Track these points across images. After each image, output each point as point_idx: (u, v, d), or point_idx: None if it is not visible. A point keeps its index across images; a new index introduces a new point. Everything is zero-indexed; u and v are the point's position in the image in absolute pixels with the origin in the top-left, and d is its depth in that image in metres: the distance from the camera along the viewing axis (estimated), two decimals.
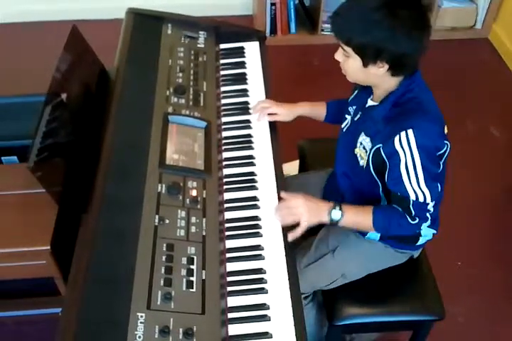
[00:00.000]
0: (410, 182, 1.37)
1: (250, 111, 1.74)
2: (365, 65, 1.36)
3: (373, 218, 1.44)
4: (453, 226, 2.28)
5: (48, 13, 3.40)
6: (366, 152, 1.46)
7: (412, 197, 1.39)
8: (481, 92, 3.12)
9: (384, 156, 1.40)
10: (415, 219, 1.42)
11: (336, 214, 1.44)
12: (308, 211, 1.43)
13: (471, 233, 2.45)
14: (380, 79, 1.40)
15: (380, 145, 1.40)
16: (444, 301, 1.66)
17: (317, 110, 1.77)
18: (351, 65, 1.39)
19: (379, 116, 1.43)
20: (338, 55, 1.42)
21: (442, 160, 1.45)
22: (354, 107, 1.57)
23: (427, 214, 1.43)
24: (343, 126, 1.61)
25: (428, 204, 1.41)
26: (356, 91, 1.59)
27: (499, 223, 2.50)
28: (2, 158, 1.62)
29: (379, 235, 1.58)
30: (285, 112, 1.72)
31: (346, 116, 1.60)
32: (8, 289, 1.38)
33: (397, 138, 1.35)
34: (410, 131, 1.34)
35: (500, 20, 3.40)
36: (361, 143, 1.48)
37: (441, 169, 1.50)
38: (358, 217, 1.46)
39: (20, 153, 1.59)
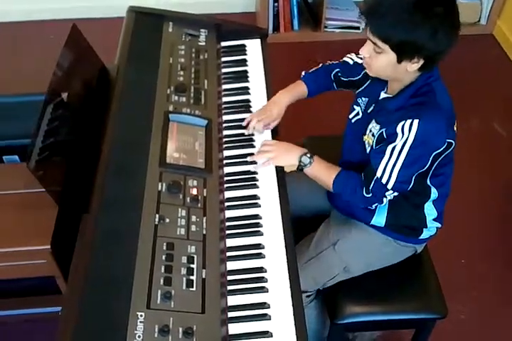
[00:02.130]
0: (387, 162, 1.42)
1: (252, 106, 1.73)
2: (399, 61, 1.37)
3: (336, 176, 1.52)
4: (457, 224, 2.27)
5: (48, 11, 3.39)
6: (374, 138, 1.49)
7: (378, 174, 1.44)
8: (486, 88, 3.10)
9: (385, 136, 1.44)
10: (369, 194, 1.47)
11: (306, 159, 1.54)
12: (279, 150, 1.56)
13: (475, 231, 2.44)
14: (406, 74, 1.41)
15: (385, 128, 1.44)
16: (447, 299, 1.65)
17: (298, 92, 1.76)
18: (383, 60, 1.39)
19: (393, 107, 1.45)
20: (365, 50, 1.41)
21: (441, 158, 1.46)
22: (365, 99, 1.58)
23: (383, 198, 1.48)
24: (351, 116, 1.62)
25: (387, 189, 1.45)
26: (367, 84, 1.59)
27: (503, 220, 2.49)
28: (3, 157, 1.62)
29: (384, 221, 1.59)
30: (276, 114, 1.67)
31: (355, 106, 1.61)
32: (9, 288, 1.39)
33: (401, 123, 1.39)
34: (416, 121, 1.37)
35: (504, 16, 3.37)
36: (370, 130, 1.51)
37: (447, 166, 1.52)
38: (324, 171, 1.55)
39: (21, 152, 1.58)
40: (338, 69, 1.73)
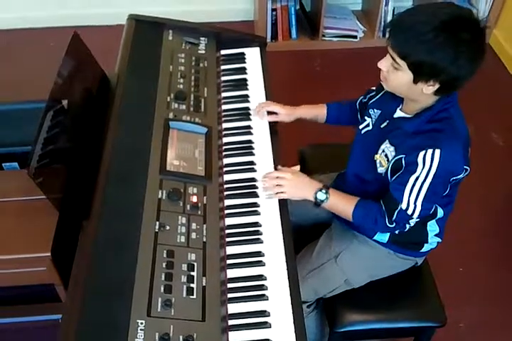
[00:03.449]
0: (410, 193, 1.40)
1: (251, 113, 1.75)
2: (415, 81, 1.34)
3: (355, 207, 1.49)
4: (455, 232, 2.27)
5: (49, 19, 3.41)
6: (388, 160, 1.46)
7: (403, 206, 1.42)
8: (482, 97, 3.11)
9: (403, 163, 1.41)
10: (392, 224, 1.45)
11: (322, 195, 1.51)
12: (293, 185, 1.51)
13: (473, 239, 2.45)
14: (422, 95, 1.38)
15: (404, 155, 1.40)
16: (446, 307, 1.65)
17: (317, 112, 1.77)
18: (399, 77, 1.36)
19: (411, 129, 1.42)
20: (383, 64, 1.38)
21: (453, 183, 1.46)
22: (377, 112, 1.56)
23: (406, 225, 1.47)
24: (361, 127, 1.60)
25: (412, 218, 1.44)
26: (380, 95, 1.57)
27: (501, 229, 2.49)
28: (3, 164, 1.63)
29: (387, 238, 1.58)
30: (285, 112, 1.73)
31: (366, 118, 1.59)
32: (8, 295, 1.38)
33: (422, 153, 1.36)
34: (438, 151, 1.35)
35: (500, 25, 3.40)
36: (383, 151, 1.48)
37: (452, 190, 1.51)
38: (341, 204, 1.52)
39: (21, 159, 1.59)
40: (362, 97, 1.71)
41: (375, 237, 1.60)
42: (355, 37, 3.41)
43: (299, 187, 1.53)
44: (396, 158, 1.43)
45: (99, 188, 1.38)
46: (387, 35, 1.36)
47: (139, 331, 1.14)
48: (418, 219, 1.46)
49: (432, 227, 1.59)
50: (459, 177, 1.43)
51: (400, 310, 1.65)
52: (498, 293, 2.25)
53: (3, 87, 1.74)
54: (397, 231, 1.51)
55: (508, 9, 3.31)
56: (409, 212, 1.42)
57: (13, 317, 1.38)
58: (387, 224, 1.45)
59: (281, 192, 1.51)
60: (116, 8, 3.27)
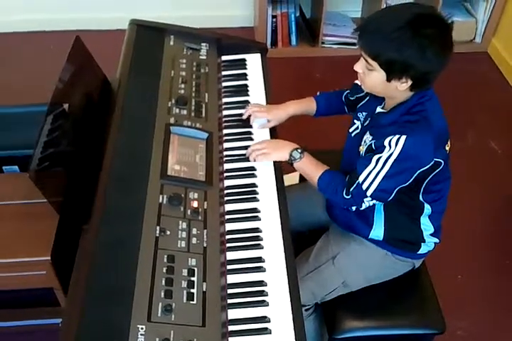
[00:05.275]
0: (371, 170, 1.44)
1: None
2: (388, 79, 1.39)
3: (323, 173, 1.56)
4: (453, 239, 2.28)
5: (50, 22, 3.42)
6: (365, 147, 1.51)
7: (360, 179, 1.46)
8: (480, 106, 3.13)
9: (373, 147, 1.46)
10: (348, 195, 1.49)
11: (296, 154, 1.58)
12: (272, 147, 1.61)
13: (472, 246, 2.45)
14: (398, 92, 1.43)
15: (375, 140, 1.46)
16: (445, 315, 1.65)
17: (306, 106, 1.81)
18: (373, 77, 1.42)
19: (386, 122, 1.47)
20: (358, 66, 1.44)
21: (431, 176, 1.48)
22: (364, 114, 1.60)
23: (361, 203, 1.50)
24: (351, 130, 1.64)
25: (366, 196, 1.47)
26: (367, 99, 1.62)
27: (500, 236, 2.50)
28: (3, 167, 1.62)
29: (382, 234, 1.60)
30: (276, 117, 1.75)
31: (355, 121, 1.63)
32: (7, 299, 1.38)
33: (389, 138, 1.41)
34: (403, 137, 1.39)
35: (499, 34, 3.42)
36: (365, 141, 1.53)
37: (441, 183, 1.54)
38: (313, 167, 1.59)
39: (21, 162, 1.58)
40: (347, 92, 1.76)
41: (370, 235, 1.61)
42: (354, 44, 3.40)
43: (278, 147, 1.61)
44: (370, 142, 1.48)
45: (100, 192, 1.37)
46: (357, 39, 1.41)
47: (139, 336, 1.14)
48: (374, 201, 1.49)
49: (426, 225, 1.61)
50: (426, 168, 1.44)
51: (399, 317, 1.64)
52: (497, 300, 2.25)
53: (3, 90, 1.75)
54: (353, 208, 1.54)
55: (506, 19, 3.34)
56: (364, 186, 1.45)
57: (12, 321, 1.38)
58: (344, 195, 1.49)
59: (263, 154, 1.58)
60: (116, 12, 3.29)
